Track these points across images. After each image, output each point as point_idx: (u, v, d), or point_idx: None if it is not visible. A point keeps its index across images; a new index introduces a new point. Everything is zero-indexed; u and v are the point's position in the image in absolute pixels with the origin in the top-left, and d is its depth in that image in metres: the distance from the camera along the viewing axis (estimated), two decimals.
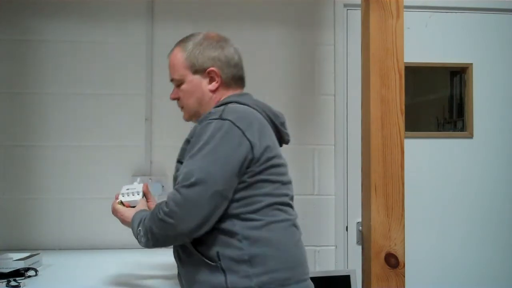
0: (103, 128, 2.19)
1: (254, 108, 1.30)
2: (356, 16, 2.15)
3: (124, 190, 1.48)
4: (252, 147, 1.21)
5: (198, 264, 1.23)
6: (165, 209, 1.19)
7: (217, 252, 1.21)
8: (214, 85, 1.35)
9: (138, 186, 1.49)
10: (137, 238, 1.31)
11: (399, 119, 1.65)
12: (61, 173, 2.17)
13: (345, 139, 2.33)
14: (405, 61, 1.68)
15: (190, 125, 2.22)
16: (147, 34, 2.23)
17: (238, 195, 1.22)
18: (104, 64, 2.20)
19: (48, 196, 2.16)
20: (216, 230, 1.22)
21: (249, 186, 1.22)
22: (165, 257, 2.03)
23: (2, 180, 2.15)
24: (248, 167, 1.21)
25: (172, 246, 1.36)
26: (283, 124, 1.39)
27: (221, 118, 1.22)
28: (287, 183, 1.32)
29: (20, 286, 1.45)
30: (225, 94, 1.36)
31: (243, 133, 1.21)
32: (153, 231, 1.23)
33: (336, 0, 2.33)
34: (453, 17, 2.44)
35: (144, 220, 1.27)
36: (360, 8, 1.80)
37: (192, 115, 1.41)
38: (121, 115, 2.20)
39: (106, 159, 2.17)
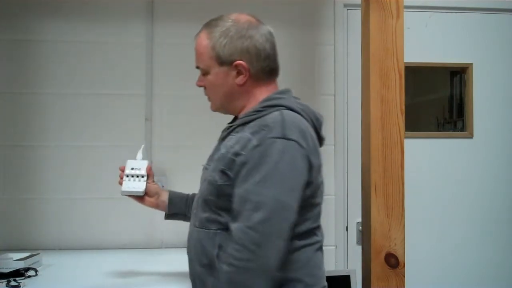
0: (103, 128, 2.19)
1: (302, 116, 1.22)
2: (356, 16, 2.15)
3: (128, 169, 1.48)
4: (311, 170, 1.17)
5: None
6: (239, 254, 1.08)
7: None
8: (241, 79, 1.25)
9: (143, 166, 1.48)
10: None
11: (399, 119, 1.65)
12: (61, 173, 2.17)
13: (345, 139, 2.33)
14: (405, 61, 1.68)
15: (191, 125, 2.23)
16: (147, 34, 2.23)
17: None
18: (104, 64, 2.20)
19: (48, 196, 2.16)
20: None
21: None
22: (165, 256, 2.04)
23: (2, 180, 2.15)
24: (303, 190, 1.16)
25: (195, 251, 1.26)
26: (321, 127, 1.30)
27: (285, 137, 1.13)
28: (322, 202, 1.27)
29: (20, 286, 1.45)
30: (257, 89, 1.27)
31: (308, 155, 1.15)
32: (244, 283, 1.09)
33: (336, 0, 2.33)
34: (453, 17, 2.44)
35: None
36: (360, 8, 1.80)
37: (219, 108, 1.33)
38: (121, 115, 2.20)
39: (106, 159, 2.17)
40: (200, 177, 1.36)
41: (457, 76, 2.49)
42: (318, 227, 1.26)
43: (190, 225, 1.32)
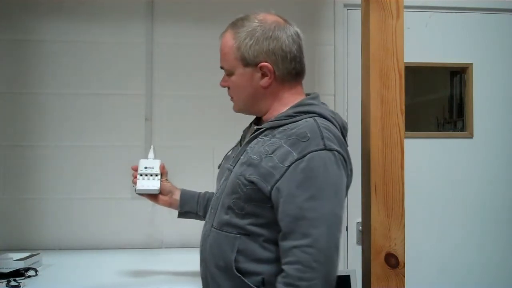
0: (103, 128, 2.19)
1: (333, 124, 1.21)
2: (356, 16, 2.15)
3: (142, 168, 1.48)
4: (349, 176, 1.20)
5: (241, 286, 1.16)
6: (301, 274, 1.06)
7: (263, 279, 1.15)
8: (266, 81, 1.22)
9: (156, 165, 1.49)
10: None
11: (399, 119, 1.64)
12: (60, 173, 2.17)
13: None
14: (405, 61, 1.68)
15: (191, 125, 2.23)
16: (147, 34, 2.23)
17: None
18: (104, 64, 2.20)
19: (47, 196, 2.16)
20: (272, 259, 1.16)
21: None
22: (165, 256, 2.04)
23: (2, 180, 2.15)
24: None
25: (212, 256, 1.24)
26: (346, 136, 1.28)
27: (326, 148, 1.12)
28: None
29: (20, 286, 1.45)
30: (282, 92, 1.25)
31: (346, 163, 1.17)
32: None
33: (336, 0, 2.33)
34: (453, 17, 2.44)
35: None
36: (360, 8, 1.79)
37: (242, 109, 1.30)
38: (121, 115, 2.20)
39: (106, 159, 2.17)
40: (216, 176, 1.35)
41: (457, 76, 2.49)
42: None
43: (206, 223, 1.29)
